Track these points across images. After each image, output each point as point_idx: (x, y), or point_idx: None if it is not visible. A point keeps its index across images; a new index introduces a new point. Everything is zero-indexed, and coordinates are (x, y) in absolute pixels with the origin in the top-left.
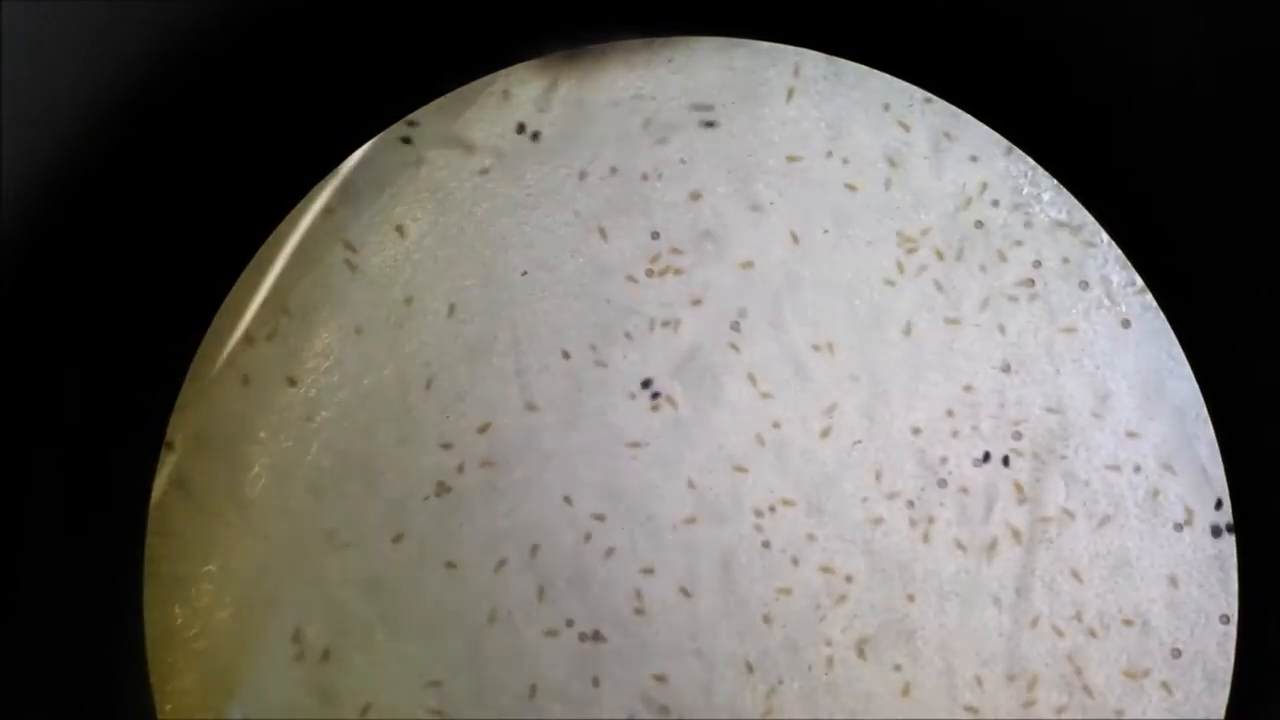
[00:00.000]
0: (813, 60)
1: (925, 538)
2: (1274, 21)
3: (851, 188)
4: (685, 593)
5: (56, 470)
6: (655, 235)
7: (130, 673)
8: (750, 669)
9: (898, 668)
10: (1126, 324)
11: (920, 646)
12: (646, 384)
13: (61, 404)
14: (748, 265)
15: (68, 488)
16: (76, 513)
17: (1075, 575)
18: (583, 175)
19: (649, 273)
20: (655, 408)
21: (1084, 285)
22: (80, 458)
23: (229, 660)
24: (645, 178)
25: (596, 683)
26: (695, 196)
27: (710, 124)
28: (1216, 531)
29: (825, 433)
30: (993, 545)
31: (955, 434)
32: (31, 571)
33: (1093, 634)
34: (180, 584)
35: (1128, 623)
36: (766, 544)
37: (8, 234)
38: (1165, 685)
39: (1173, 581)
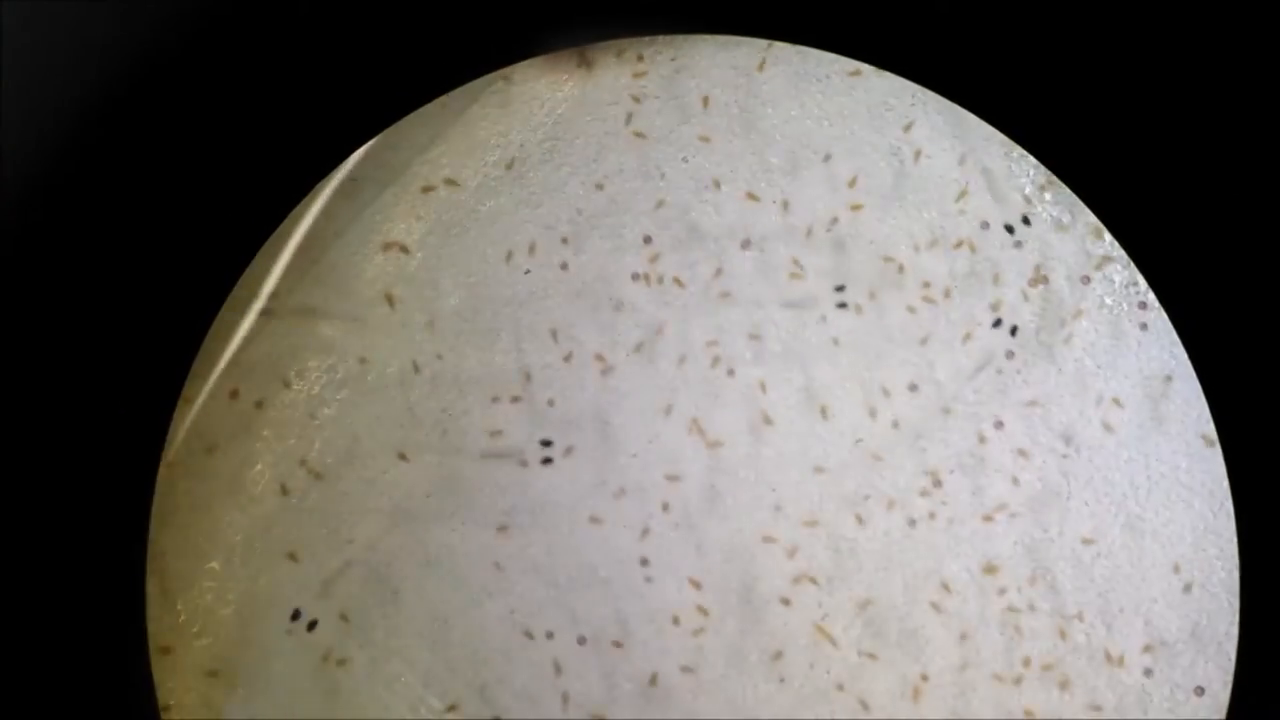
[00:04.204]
0: (815, 58)
1: (924, 536)
2: (1276, 21)
3: (853, 187)
4: (695, 584)
5: (58, 465)
6: (658, 234)
7: (133, 669)
8: (750, 666)
9: (899, 666)
10: (1128, 323)
11: (923, 645)
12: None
13: (63, 401)
14: (750, 264)
15: (70, 483)
16: (78, 508)
17: (1077, 573)
18: (585, 174)
19: (650, 273)
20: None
21: (1086, 284)
22: (82, 454)
23: (232, 657)
24: (649, 176)
25: (600, 679)
26: (698, 195)
27: (713, 123)
28: (1218, 533)
29: (823, 429)
30: (992, 544)
31: (955, 430)
32: (33, 567)
33: (1093, 633)
34: (183, 580)
35: (1129, 622)
36: (769, 539)
37: (7, 233)
38: (1165, 684)
39: (1176, 579)
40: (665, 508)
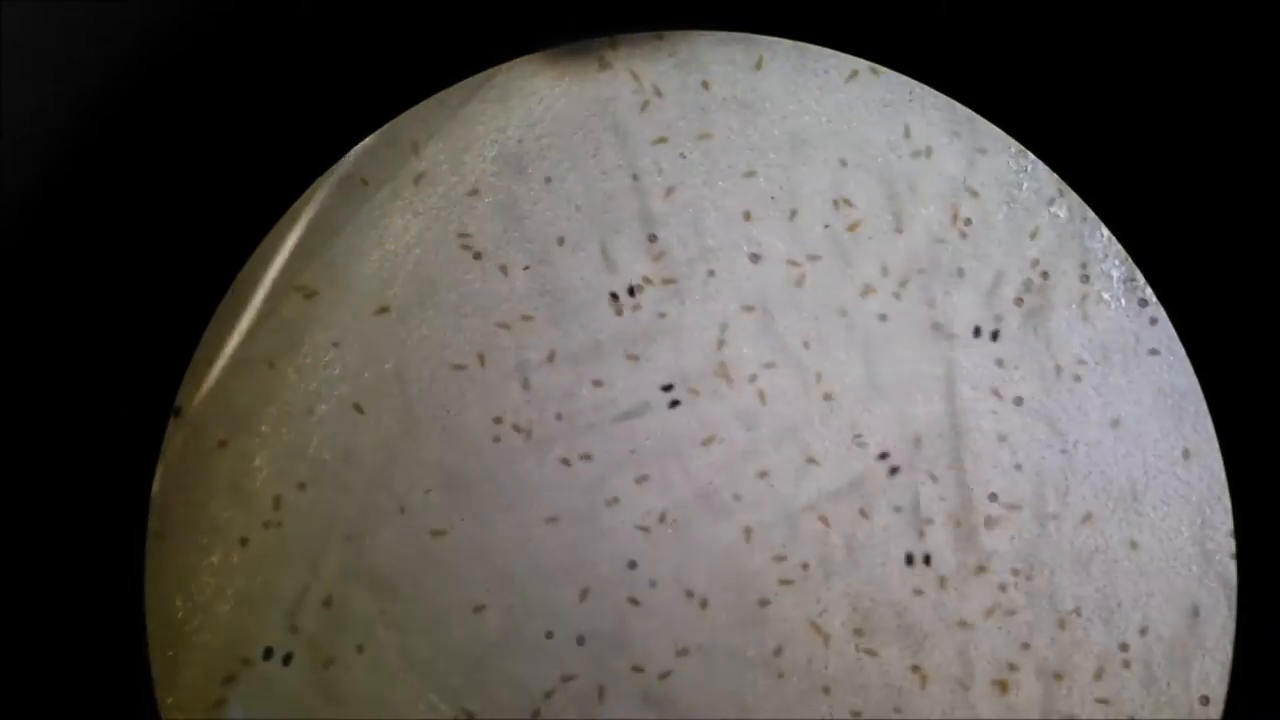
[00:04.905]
0: (814, 55)
1: (921, 533)
2: (1275, 20)
3: (853, 184)
4: (693, 582)
5: (57, 463)
6: (658, 231)
7: (132, 665)
8: (748, 662)
9: (897, 661)
10: (1127, 320)
11: (920, 640)
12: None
13: (62, 398)
14: (749, 260)
15: (68, 480)
16: (77, 505)
17: (1074, 568)
18: (584, 170)
19: (649, 270)
20: (664, 397)
21: (1085, 281)
22: (81, 451)
23: (230, 653)
24: (647, 173)
25: (598, 678)
26: (697, 191)
27: (712, 119)
28: (1215, 528)
29: (821, 425)
30: (991, 539)
31: (954, 428)
32: (32, 564)
33: (1090, 628)
34: (182, 576)
35: (1126, 616)
36: (766, 535)
37: (7, 232)
38: (1162, 680)
39: (1173, 576)
40: (662, 506)
